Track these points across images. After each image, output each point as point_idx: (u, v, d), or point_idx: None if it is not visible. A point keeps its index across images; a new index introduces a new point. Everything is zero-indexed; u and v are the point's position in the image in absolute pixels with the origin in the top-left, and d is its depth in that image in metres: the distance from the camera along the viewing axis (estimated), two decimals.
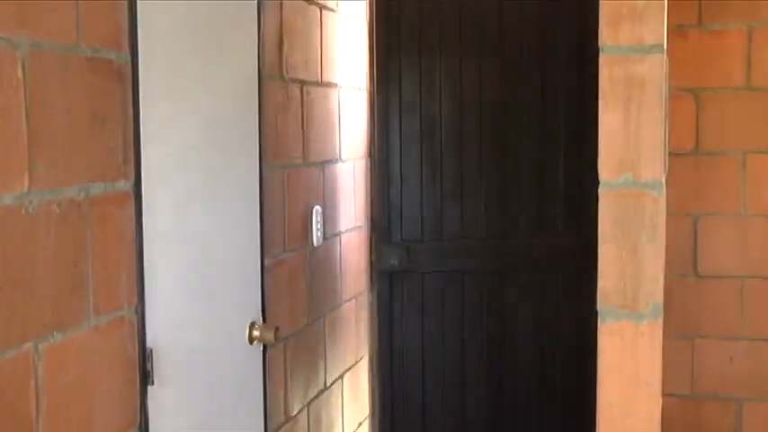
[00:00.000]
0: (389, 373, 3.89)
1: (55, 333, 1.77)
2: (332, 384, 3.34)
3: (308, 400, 3.10)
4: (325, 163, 3.24)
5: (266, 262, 2.71)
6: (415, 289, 3.88)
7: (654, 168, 1.93)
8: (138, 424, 2.05)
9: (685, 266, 3.84)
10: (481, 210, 3.90)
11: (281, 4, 2.84)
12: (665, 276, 2.00)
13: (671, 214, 2.12)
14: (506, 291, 3.94)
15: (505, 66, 3.88)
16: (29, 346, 1.70)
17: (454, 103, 3.86)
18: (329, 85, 3.26)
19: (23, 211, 1.68)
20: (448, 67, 3.85)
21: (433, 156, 3.86)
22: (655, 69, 1.92)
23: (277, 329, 2.63)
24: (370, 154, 3.75)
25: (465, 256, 3.91)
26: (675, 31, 3.56)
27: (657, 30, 1.92)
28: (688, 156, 3.80)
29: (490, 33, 3.87)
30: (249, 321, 2.60)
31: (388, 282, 3.84)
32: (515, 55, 3.88)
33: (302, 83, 3.00)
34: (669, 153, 2.12)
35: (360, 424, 3.70)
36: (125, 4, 1.98)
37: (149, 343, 2.07)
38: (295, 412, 2.98)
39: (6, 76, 1.64)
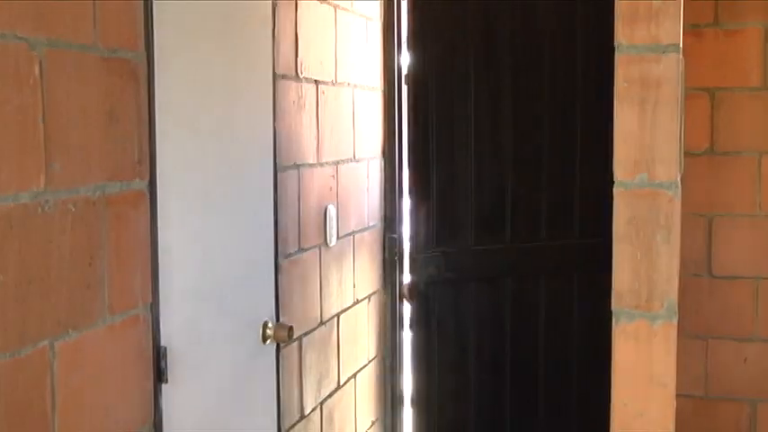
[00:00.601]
0: (425, 377, 3.87)
1: (70, 331, 1.78)
2: (345, 383, 3.34)
3: (322, 398, 3.10)
4: (339, 162, 3.24)
5: (280, 261, 2.72)
6: (449, 296, 3.84)
7: (669, 168, 1.92)
8: (151, 421, 2.06)
9: (699, 267, 3.83)
10: (509, 214, 3.89)
11: (296, 3, 2.84)
12: (679, 276, 1.99)
13: (685, 214, 2.11)
14: (537, 293, 3.94)
15: (524, 69, 3.87)
16: (44, 343, 1.71)
17: (484, 107, 3.83)
18: (343, 84, 3.26)
19: (39, 209, 1.69)
20: (479, 69, 3.81)
21: (463, 162, 3.83)
22: (670, 69, 1.91)
23: (290, 329, 2.63)
24: (384, 154, 3.75)
25: (496, 261, 3.89)
26: (691, 30, 3.54)
27: (673, 29, 1.91)
28: (703, 156, 3.78)
29: (518, 35, 3.86)
30: (263, 320, 2.60)
31: (424, 290, 3.82)
32: (536, 58, 3.88)
33: (317, 82, 3.01)
34: (684, 153, 2.11)
35: (373, 423, 3.70)
36: (141, 5, 1.99)
37: (163, 341, 2.08)
38: (308, 411, 2.98)
39: (24, 76, 1.65)
